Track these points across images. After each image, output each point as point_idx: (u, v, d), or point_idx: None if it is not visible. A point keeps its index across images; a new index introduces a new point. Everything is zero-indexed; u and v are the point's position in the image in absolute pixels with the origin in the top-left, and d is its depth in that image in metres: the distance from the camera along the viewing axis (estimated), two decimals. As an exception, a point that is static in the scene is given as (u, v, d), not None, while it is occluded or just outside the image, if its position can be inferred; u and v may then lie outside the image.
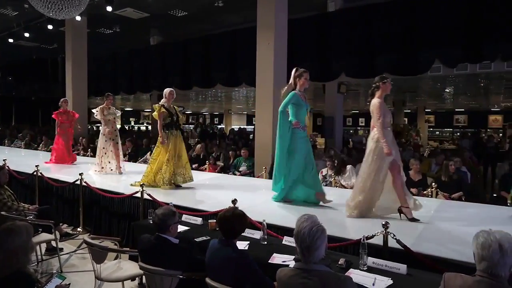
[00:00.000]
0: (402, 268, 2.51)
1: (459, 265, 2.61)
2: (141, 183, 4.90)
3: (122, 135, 7.98)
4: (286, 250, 2.85)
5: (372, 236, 2.87)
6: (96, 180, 6.05)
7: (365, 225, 3.56)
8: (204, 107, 28.58)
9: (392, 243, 2.87)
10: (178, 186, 5.46)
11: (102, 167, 6.71)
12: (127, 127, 23.10)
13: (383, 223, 2.90)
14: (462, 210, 4.43)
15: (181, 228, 3.42)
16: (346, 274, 2.41)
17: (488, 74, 10.56)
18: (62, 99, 8.16)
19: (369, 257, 2.61)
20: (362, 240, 2.61)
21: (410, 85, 13.93)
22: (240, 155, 8.05)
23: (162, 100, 5.55)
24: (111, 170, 6.74)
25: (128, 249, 4.17)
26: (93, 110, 6.81)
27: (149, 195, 4.47)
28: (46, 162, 7.78)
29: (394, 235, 2.84)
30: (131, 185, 5.41)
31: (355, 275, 2.43)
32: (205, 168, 7.78)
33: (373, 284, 2.33)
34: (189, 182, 5.54)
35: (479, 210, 4.45)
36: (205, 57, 10.71)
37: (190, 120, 31.47)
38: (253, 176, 7.23)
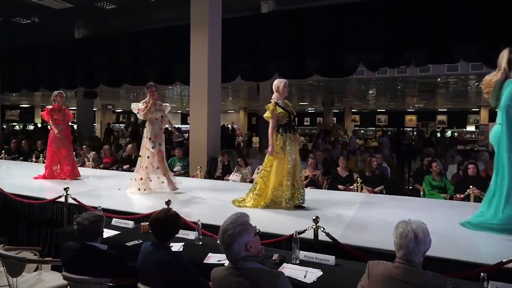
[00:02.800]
0: (331, 259, 2.66)
1: (382, 254, 2.83)
2: (253, 203, 4.20)
3: (46, 136, 6.99)
4: (221, 249, 2.85)
5: (304, 231, 2.99)
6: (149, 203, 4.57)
7: (297, 220, 3.69)
8: (135, 106, 27.36)
9: (322, 236, 3.02)
10: (299, 207, 4.26)
11: (150, 185, 5.13)
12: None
13: (314, 217, 3.04)
14: (383, 203, 4.81)
15: (111, 232, 3.25)
16: (279, 269, 2.48)
17: (404, 78, 11.64)
18: (55, 92, 6.10)
19: (301, 251, 2.72)
20: (294, 235, 2.72)
21: (338, 87, 14.80)
22: (174, 155, 7.86)
23: (274, 95, 4.29)
24: (162, 183, 5.20)
25: (50, 258, 3.83)
26: (133, 106, 5.20)
27: (74, 199, 4.16)
28: (36, 178, 6.07)
29: (324, 229, 3.00)
30: (235, 203, 4.41)
31: (288, 269, 2.53)
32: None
33: (305, 277, 2.43)
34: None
35: (398, 202, 4.88)
36: (136, 53, 10.25)
37: (121, 119, 29.92)
38: (188, 176, 7.11)
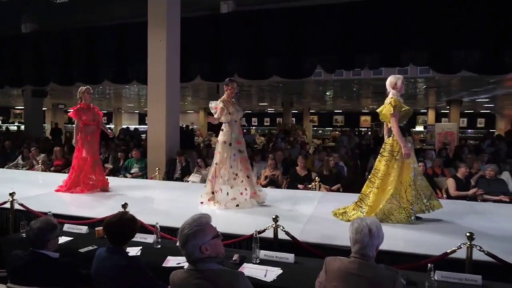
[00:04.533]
0: (290, 257, 2.71)
1: (339, 249, 2.93)
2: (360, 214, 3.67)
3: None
4: (180, 252, 2.81)
5: (264, 230, 3.03)
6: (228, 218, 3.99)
7: (258, 220, 3.72)
8: (89, 105, 26.19)
9: (282, 235, 3.07)
10: (417, 219, 3.80)
11: (234, 197, 4.34)
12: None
13: (273, 217, 3.08)
14: (340, 200, 4.95)
15: (63, 239, 3.09)
16: (239, 269, 2.49)
17: (359, 80, 12.11)
18: (82, 88, 5.25)
19: (261, 250, 2.75)
20: (254, 234, 2.74)
21: (297, 88, 15.09)
22: (132, 157, 7.62)
23: (392, 92, 3.82)
24: (245, 199, 4.40)
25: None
26: (211, 104, 4.46)
27: (21, 204, 3.90)
28: (58, 190, 5.16)
29: (283, 228, 3.05)
30: (338, 216, 3.95)
31: (248, 269, 2.54)
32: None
33: (265, 276, 2.46)
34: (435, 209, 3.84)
35: (354, 199, 5.06)
36: (90, 50, 9.81)
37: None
38: (146, 178, 6.93)
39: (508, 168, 6.49)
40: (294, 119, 23.61)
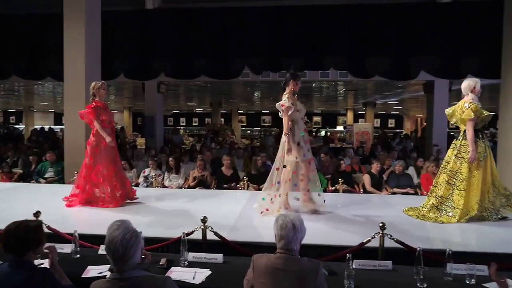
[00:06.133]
0: (219, 257, 2.72)
1: (267, 247, 3.01)
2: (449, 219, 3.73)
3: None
4: (102, 260, 2.65)
5: (192, 232, 2.99)
6: None
7: (185, 222, 3.66)
8: (-7, 103, 23.33)
9: (210, 235, 3.06)
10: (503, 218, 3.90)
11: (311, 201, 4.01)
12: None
13: (202, 218, 3.06)
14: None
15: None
16: (167, 273, 2.43)
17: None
18: (97, 83, 4.47)
19: (190, 253, 2.71)
20: (182, 237, 2.69)
21: (226, 88, 15.15)
22: (46, 160, 6.96)
23: (471, 96, 3.83)
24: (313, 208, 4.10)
25: None
26: (279, 103, 4.02)
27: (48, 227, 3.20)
28: (69, 204, 4.39)
29: (212, 228, 3.05)
30: (409, 211, 4.03)
31: (176, 272, 2.49)
32: (-3, 177, 6.39)
33: (194, 278, 2.44)
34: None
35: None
36: (-4, 41, 8.74)
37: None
38: (63, 183, 6.38)
39: (413, 163, 7.28)
40: (223, 119, 23.66)
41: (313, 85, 13.77)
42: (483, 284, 2.33)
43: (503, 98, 6.37)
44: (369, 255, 2.85)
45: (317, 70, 9.57)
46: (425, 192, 5.75)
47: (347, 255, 2.45)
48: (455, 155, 3.93)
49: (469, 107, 3.79)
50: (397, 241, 2.90)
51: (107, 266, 2.41)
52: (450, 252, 2.48)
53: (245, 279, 2.11)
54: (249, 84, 13.61)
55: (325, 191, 5.95)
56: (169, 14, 8.29)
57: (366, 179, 6.14)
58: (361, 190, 6.14)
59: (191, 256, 2.71)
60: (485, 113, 3.83)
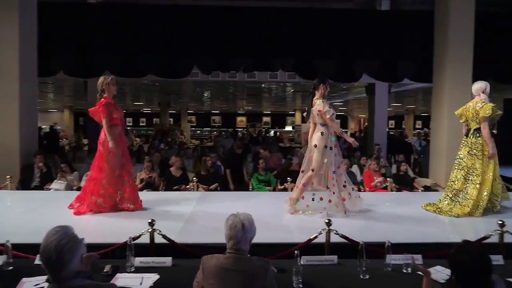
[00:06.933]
0: (168, 261, 2.66)
1: (217, 247, 2.99)
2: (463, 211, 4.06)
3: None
4: (39, 271, 2.47)
5: (139, 236, 2.89)
6: None
7: (132, 226, 3.53)
8: None
9: (159, 239, 2.99)
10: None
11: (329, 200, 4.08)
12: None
13: (149, 220, 2.97)
14: (218, 199, 5.10)
15: None
16: (112, 281, 2.33)
17: (235, 82, 12.61)
18: (107, 78, 4.14)
19: (137, 258, 2.62)
20: (128, 241, 2.59)
21: (174, 88, 14.84)
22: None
23: (482, 96, 4.13)
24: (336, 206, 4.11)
25: None
26: (319, 106, 4.02)
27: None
28: (78, 212, 3.99)
29: (160, 231, 2.97)
30: (428, 207, 4.36)
31: (122, 279, 2.40)
32: None
33: (141, 284, 2.36)
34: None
35: (230, 197, 5.26)
36: None
37: None
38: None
39: (357, 161, 7.66)
40: (171, 119, 23.14)
41: (263, 85, 13.95)
42: (418, 272, 2.52)
43: (435, 100, 6.93)
44: (317, 251, 2.96)
45: (266, 71, 9.72)
46: (367, 189, 6.08)
47: (295, 252, 2.51)
48: (468, 152, 4.23)
49: (483, 106, 4.08)
50: (342, 236, 3.04)
51: (45, 277, 2.26)
52: (389, 244, 2.65)
53: (195, 281, 2.09)
54: (199, 84, 13.45)
55: (274, 190, 6.08)
56: (114, 9, 7.93)
57: (314, 177, 6.34)
58: (309, 188, 6.32)
59: (138, 261, 2.62)
60: (499, 112, 4.15)
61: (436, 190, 6.27)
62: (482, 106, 4.09)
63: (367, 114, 14.39)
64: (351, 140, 4.57)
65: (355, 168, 7.12)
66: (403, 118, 25.95)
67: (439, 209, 4.26)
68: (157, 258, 2.69)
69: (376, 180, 6.01)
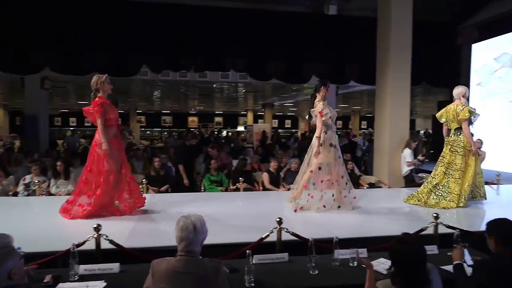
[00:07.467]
0: (115, 267, 2.55)
1: (168, 250, 2.93)
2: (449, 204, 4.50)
3: None
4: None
5: (84, 242, 2.75)
6: None
7: (75, 232, 3.35)
8: None
9: (106, 244, 2.85)
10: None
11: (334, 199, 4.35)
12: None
13: (95, 226, 2.83)
14: (169, 201, 4.99)
15: None
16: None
17: (186, 82, 12.41)
18: (101, 77, 3.98)
19: (81, 265, 2.48)
20: (71, 249, 2.45)
21: (123, 87, 14.26)
22: None
23: (463, 100, 4.57)
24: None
25: None
26: (315, 109, 4.30)
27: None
28: (74, 216, 3.82)
29: (106, 236, 2.84)
30: (409, 200, 4.76)
31: (65, 288, 2.26)
32: None
33: (86, 292, 2.24)
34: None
35: (182, 199, 5.17)
36: None
37: None
38: None
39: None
40: (120, 119, 22.21)
41: (214, 86, 13.88)
42: (363, 265, 2.66)
43: (378, 102, 7.34)
44: (269, 249, 3.00)
45: (218, 71, 9.68)
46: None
47: (247, 251, 2.53)
48: (449, 149, 4.65)
49: (463, 109, 4.51)
50: (293, 234, 3.11)
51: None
52: (337, 239, 2.76)
53: (144, 286, 2.02)
54: (148, 83, 13.05)
55: (226, 190, 6.08)
56: (55, 1, 7.44)
57: (265, 177, 6.43)
58: (261, 188, 6.41)
59: (83, 269, 2.48)
60: (477, 113, 4.57)
61: (380, 187, 6.64)
62: (463, 109, 4.52)
63: (316, 114, 14.83)
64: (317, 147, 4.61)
65: (305, 167, 7.31)
66: (350, 118, 27.17)
67: (425, 203, 4.63)
68: (104, 264, 2.57)
69: (325, 179, 6.22)
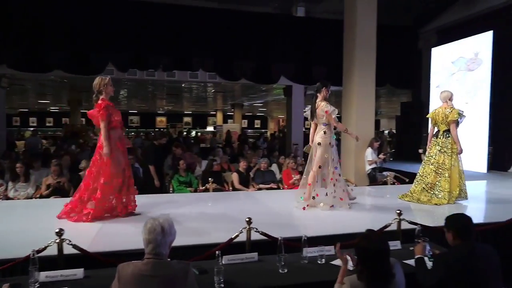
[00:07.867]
0: (79, 273, 2.45)
1: (134, 254, 2.86)
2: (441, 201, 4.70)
3: None
4: None
5: (44, 248, 2.63)
6: None
7: (34, 237, 3.19)
8: None
9: (69, 249, 2.74)
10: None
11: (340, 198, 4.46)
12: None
13: (57, 230, 2.72)
14: (137, 202, 4.85)
15: None
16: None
17: (153, 81, 12.16)
18: (104, 79, 3.89)
19: (42, 272, 2.37)
20: (31, 255, 2.33)
21: (86, 85, 13.75)
22: None
23: (449, 103, 4.80)
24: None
25: None
26: (325, 107, 4.39)
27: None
28: (77, 220, 3.71)
29: (70, 241, 2.73)
30: (404, 197, 4.98)
31: (25, 296, 2.15)
32: None
33: (47, 299, 2.15)
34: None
35: (150, 200, 5.05)
36: None
37: None
38: None
39: (276, 160, 7.95)
40: (84, 119, 21.43)
41: (183, 85, 13.70)
42: (331, 262, 2.72)
43: (344, 103, 7.53)
44: (238, 249, 3.00)
45: (186, 71, 9.57)
46: (286, 186, 6.35)
47: (217, 252, 2.52)
48: (439, 150, 4.84)
49: (451, 111, 4.74)
50: (262, 233, 3.13)
51: None
52: (306, 238, 2.80)
53: (110, 291, 1.97)
54: (114, 82, 12.62)
55: (195, 191, 6.02)
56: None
57: (235, 177, 6.42)
58: (230, 188, 6.40)
59: (44, 275, 2.37)
60: (464, 115, 4.79)
61: (347, 185, 6.80)
62: (451, 111, 4.75)
63: (285, 114, 15.04)
64: (354, 135, 4.86)
65: (274, 167, 7.38)
66: (318, 118, 27.64)
67: (418, 200, 4.84)
68: (67, 270, 2.47)
69: (294, 178, 6.30)
